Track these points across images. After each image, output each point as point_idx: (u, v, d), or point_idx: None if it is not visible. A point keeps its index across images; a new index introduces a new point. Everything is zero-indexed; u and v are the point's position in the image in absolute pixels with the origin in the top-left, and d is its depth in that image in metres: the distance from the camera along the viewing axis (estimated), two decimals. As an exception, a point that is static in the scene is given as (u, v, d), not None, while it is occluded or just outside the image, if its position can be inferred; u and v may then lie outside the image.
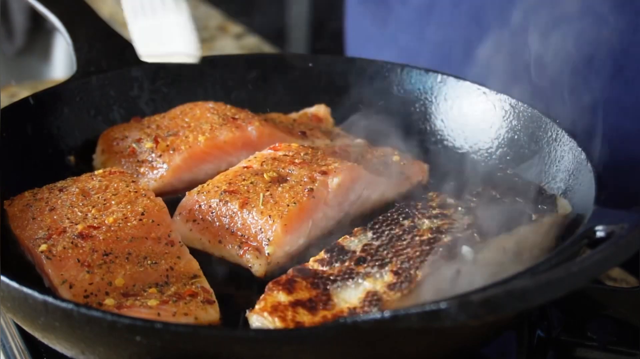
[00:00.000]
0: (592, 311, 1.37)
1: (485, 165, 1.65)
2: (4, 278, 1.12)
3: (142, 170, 1.56)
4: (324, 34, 2.42)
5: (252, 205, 1.38)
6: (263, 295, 1.22)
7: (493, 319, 1.13)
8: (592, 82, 1.71)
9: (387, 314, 1.03)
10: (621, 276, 1.66)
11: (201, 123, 1.61)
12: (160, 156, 1.55)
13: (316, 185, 1.42)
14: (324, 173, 1.45)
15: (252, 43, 2.74)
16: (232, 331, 1.08)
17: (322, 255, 1.28)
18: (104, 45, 1.73)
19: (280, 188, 1.40)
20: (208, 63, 1.78)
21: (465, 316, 1.01)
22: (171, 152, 1.55)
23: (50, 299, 1.08)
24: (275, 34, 3.35)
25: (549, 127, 1.56)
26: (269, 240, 1.35)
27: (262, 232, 1.36)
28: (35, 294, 1.09)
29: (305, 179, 1.43)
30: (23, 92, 2.31)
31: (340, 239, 1.32)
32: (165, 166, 1.54)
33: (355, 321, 1.05)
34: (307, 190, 1.41)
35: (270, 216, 1.36)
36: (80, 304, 1.08)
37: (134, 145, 1.59)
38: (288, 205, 1.38)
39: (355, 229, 1.33)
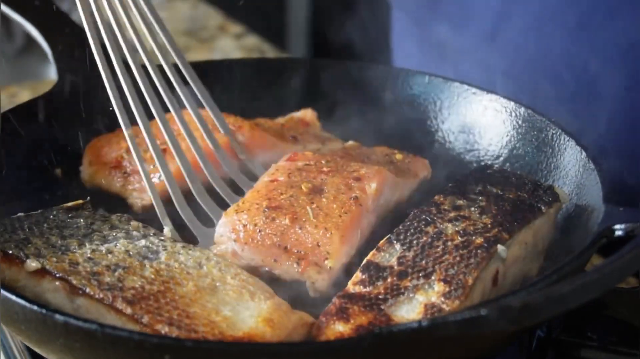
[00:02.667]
0: (592, 311, 1.36)
1: (478, 164, 1.64)
2: (20, 300, 1.07)
3: (133, 180, 1.52)
4: (324, 33, 2.39)
5: (303, 219, 1.33)
6: (318, 330, 1.16)
7: (531, 325, 1.12)
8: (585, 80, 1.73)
9: (424, 322, 1.00)
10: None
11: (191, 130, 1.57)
12: (152, 166, 1.51)
13: (357, 192, 1.38)
14: (358, 179, 1.41)
15: (252, 43, 2.71)
16: (264, 345, 1.05)
17: (360, 275, 1.23)
18: (84, 54, 1.68)
19: (324, 199, 1.36)
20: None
21: (505, 322, 0.99)
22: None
23: (71, 320, 1.04)
24: (275, 34, 3.32)
25: (544, 126, 1.55)
26: (328, 253, 1.30)
27: (319, 246, 1.30)
28: (56, 315, 1.05)
29: (342, 187, 1.39)
30: (23, 92, 2.27)
31: (369, 256, 1.27)
32: (158, 175, 1.50)
33: (391, 331, 1.02)
34: (352, 198, 1.36)
35: (326, 228, 1.31)
36: (104, 325, 1.04)
37: (124, 155, 1.54)
38: (340, 216, 1.33)
39: (380, 242, 1.29)
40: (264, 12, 3.23)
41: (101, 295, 1.15)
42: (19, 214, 1.33)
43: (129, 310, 1.12)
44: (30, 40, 3.27)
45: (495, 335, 1.11)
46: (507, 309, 0.99)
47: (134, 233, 1.30)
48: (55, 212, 1.34)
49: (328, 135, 1.69)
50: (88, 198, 1.39)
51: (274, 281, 1.31)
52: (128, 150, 1.54)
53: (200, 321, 1.11)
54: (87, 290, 1.16)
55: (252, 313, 1.13)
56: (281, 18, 3.76)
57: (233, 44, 2.69)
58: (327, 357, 1.03)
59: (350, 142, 1.64)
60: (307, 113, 1.73)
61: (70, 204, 1.37)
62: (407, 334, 1.01)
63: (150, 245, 1.26)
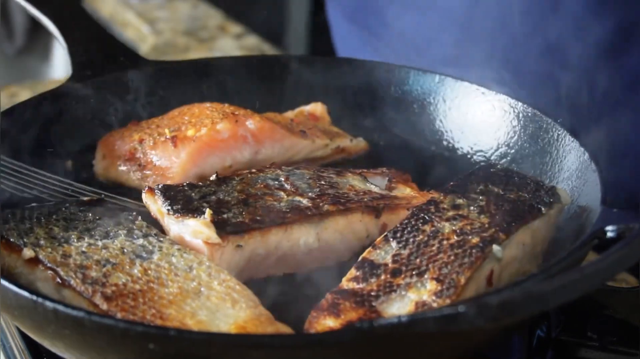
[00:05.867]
0: (592, 311, 1.37)
1: (484, 164, 1.65)
2: (12, 287, 1.10)
3: (147, 172, 1.54)
4: (324, 34, 2.41)
5: None
6: (309, 325, 1.18)
7: (510, 322, 1.12)
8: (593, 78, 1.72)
9: (404, 318, 1.02)
10: (621, 276, 1.65)
11: (202, 119, 1.59)
12: (164, 153, 1.53)
13: None
14: None
15: (252, 43, 2.73)
16: (246, 337, 1.07)
17: (354, 272, 1.24)
18: (99, 48, 1.71)
19: None
20: (203, 66, 1.78)
21: (483, 319, 1.00)
22: (172, 146, 1.53)
23: (60, 307, 1.06)
24: (275, 34, 3.33)
25: (550, 127, 1.56)
26: None
27: None
28: (46, 302, 1.07)
29: None
30: (23, 92, 2.30)
31: (365, 253, 1.28)
32: (174, 159, 1.52)
33: (371, 326, 1.03)
34: None
35: None
36: (91, 312, 1.07)
37: (136, 146, 1.56)
38: None
39: (377, 240, 1.30)
40: (264, 12, 3.25)
41: (82, 288, 1.18)
42: (33, 204, 1.37)
43: (104, 306, 1.14)
44: (30, 40, 3.33)
45: (477, 332, 1.12)
46: (484, 307, 1.00)
47: (136, 231, 1.31)
48: (67, 205, 1.36)
49: (337, 130, 1.71)
50: (103, 195, 1.42)
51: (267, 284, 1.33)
52: (141, 142, 1.56)
53: (172, 323, 1.12)
54: (72, 282, 1.18)
55: (227, 320, 1.14)
56: (281, 18, 3.76)
57: (233, 43, 2.71)
58: (308, 349, 1.05)
59: (359, 139, 1.65)
60: (317, 107, 1.74)
61: (86, 198, 1.40)
62: (387, 329, 1.03)
63: (147, 245, 1.28)
